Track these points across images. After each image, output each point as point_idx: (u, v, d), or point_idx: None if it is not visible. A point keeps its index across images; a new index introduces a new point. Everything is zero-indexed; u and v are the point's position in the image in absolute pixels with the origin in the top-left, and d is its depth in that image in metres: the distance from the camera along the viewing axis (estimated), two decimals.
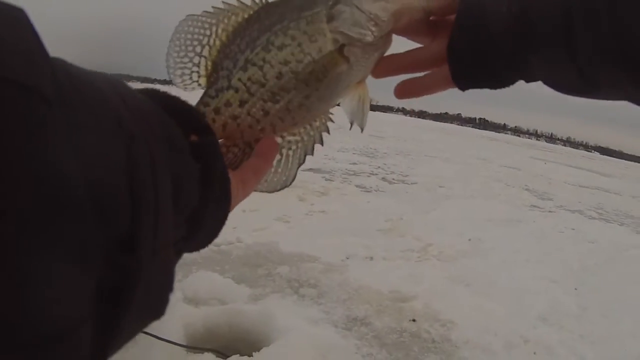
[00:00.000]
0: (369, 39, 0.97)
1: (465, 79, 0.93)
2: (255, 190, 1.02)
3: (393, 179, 11.70)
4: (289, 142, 1.10)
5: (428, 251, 6.04)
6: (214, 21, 1.07)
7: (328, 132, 1.09)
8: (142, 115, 0.59)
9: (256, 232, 5.92)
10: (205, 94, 1.05)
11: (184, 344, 3.36)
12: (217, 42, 1.07)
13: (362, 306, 4.31)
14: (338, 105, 1.08)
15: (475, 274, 5.33)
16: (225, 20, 1.07)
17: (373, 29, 0.98)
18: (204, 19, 1.08)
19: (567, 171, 24.00)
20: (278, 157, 1.09)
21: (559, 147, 72.28)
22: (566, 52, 0.72)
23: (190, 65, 1.09)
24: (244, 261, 5.14)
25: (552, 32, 0.73)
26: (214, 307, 3.86)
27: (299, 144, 1.11)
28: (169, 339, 3.28)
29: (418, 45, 1.03)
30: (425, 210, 8.17)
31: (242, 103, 1.02)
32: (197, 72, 1.07)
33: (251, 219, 6.42)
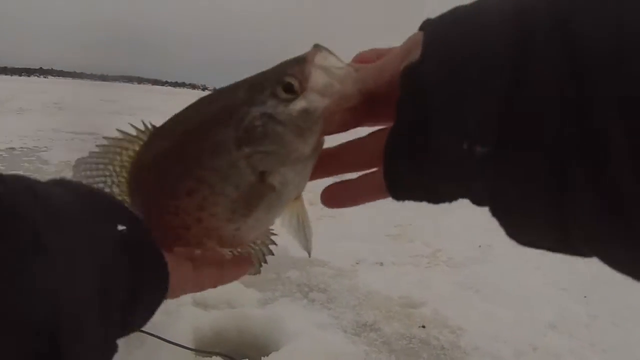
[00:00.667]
0: (306, 152, 0.79)
1: (400, 189, 0.72)
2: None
3: None
4: (241, 253, 0.98)
5: (437, 257, 6.04)
6: (106, 160, 0.96)
7: (274, 244, 0.99)
8: (61, 219, 0.59)
9: None
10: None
11: (192, 347, 3.36)
12: (121, 179, 0.95)
13: (372, 312, 4.31)
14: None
15: (485, 280, 5.31)
16: (118, 157, 0.96)
17: (300, 143, 0.78)
18: (96, 159, 0.96)
19: None
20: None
21: None
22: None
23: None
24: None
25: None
26: (223, 311, 3.86)
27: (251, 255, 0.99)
28: (177, 341, 3.28)
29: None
30: (435, 216, 8.14)
31: (176, 238, 0.85)
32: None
33: None
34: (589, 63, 0.47)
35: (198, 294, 4.03)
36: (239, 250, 0.96)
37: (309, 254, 0.91)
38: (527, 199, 0.53)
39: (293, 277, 4.93)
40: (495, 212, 0.61)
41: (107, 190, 0.94)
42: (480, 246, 6.57)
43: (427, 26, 0.65)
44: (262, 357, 3.26)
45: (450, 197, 0.68)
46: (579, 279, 5.87)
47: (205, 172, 0.80)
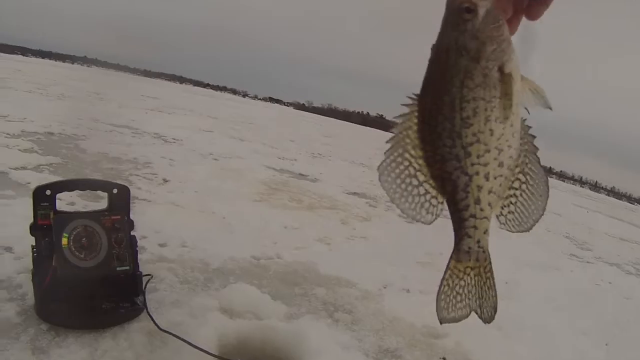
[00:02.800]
0: (503, 39, 1.20)
1: None
2: (540, 214, 1.37)
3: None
4: (522, 162, 1.30)
5: None
6: (400, 151, 1.23)
7: (530, 126, 1.30)
8: None
9: (296, 251, 6.00)
10: (455, 201, 1.28)
11: (216, 354, 3.39)
12: (419, 162, 1.23)
13: (395, 338, 4.31)
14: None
15: (509, 317, 5.30)
16: (407, 140, 1.22)
17: (500, 31, 1.19)
18: (392, 157, 1.24)
19: (609, 222, 23.70)
20: (523, 179, 1.33)
21: (602, 196, 71.32)
22: None
23: (422, 199, 1.28)
24: (281, 278, 5.19)
25: None
26: (249, 321, 3.88)
27: (528, 155, 1.31)
28: (201, 345, 3.32)
29: None
30: None
31: (486, 176, 1.23)
32: (432, 196, 1.28)
33: (292, 236, 6.48)
34: None
35: (225, 303, 4.08)
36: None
37: (551, 108, 1.29)
38: None
39: (320, 294, 4.94)
40: None
41: (413, 179, 1.26)
42: (507, 282, 6.58)
43: None
44: None
45: None
46: (601, 325, 5.87)
47: (475, 91, 1.18)
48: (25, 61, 62.44)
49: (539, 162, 1.30)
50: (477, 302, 1.54)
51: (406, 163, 1.21)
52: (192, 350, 3.28)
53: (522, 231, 1.47)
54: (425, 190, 1.25)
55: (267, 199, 9.16)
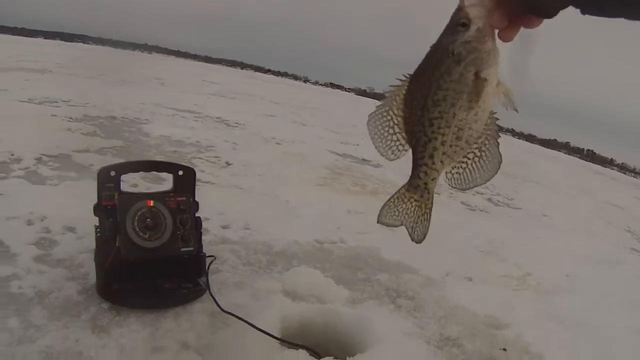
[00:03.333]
0: (487, 50, 1.51)
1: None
2: (481, 183, 1.72)
3: (498, 201, 11.66)
4: (482, 142, 1.64)
5: (526, 280, 5.96)
6: (387, 109, 1.66)
7: (498, 119, 1.62)
8: None
9: (359, 235, 5.99)
10: (415, 151, 1.67)
11: (278, 336, 3.39)
12: (398, 119, 1.66)
13: (456, 327, 4.28)
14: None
15: (569, 311, 5.25)
16: (394, 103, 1.64)
17: (484, 43, 1.50)
18: (380, 111, 1.67)
19: None
20: (478, 153, 1.66)
21: None
22: None
23: (393, 144, 1.70)
24: (344, 262, 5.20)
25: None
26: (312, 305, 3.88)
27: (489, 138, 1.64)
28: (264, 328, 3.32)
29: None
30: (527, 238, 8.10)
31: (443, 143, 1.61)
32: (400, 144, 1.70)
33: (355, 221, 6.47)
34: None
35: (289, 286, 4.08)
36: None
37: (516, 110, 1.60)
38: None
39: (383, 280, 4.93)
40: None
41: (390, 129, 1.67)
42: (567, 275, 6.51)
43: None
44: (348, 358, 3.28)
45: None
46: None
47: (445, 83, 1.54)
48: (85, 49, 63.15)
49: (497, 147, 1.65)
50: (411, 224, 1.92)
51: (388, 117, 1.65)
52: (254, 332, 3.29)
53: (459, 189, 1.84)
54: (397, 138, 1.68)
55: (330, 183, 9.19)
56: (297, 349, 3.30)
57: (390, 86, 1.65)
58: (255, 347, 3.26)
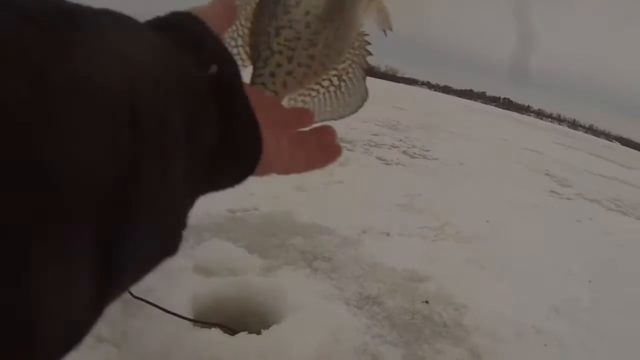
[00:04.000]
0: None
1: None
2: (332, 118, 1.13)
3: (414, 153, 11.67)
4: (343, 69, 1.17)
5: (445, 230, 6.00)
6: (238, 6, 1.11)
7: (370, 43, 1.16)
8: (148, 53, 0.57)
9: (273, 200, 5.88)
10: (255, 67, 1.12)
11: (191, 316, 3.31)
12: (245, 31, 1.16)
13: (375, 284, 4.27)
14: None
15: (491, 257, 5.29)
16: (243, 12, 1.15)
17: None
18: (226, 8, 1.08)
19: (588, 159, 23.84)
20: (336, 82, 1.20)
21: (581, 134, 71.94)
22: None
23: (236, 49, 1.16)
24: (258, 230, 5.10)
25: None
26: (225, 279, 3.81)
27: (353, 65, 1.18)
28: (176, 310, 3.24)
29: None
30: (445, 188, 8.14)
31: (289, 59, 1.11)
32: (242, 59, 1.15)
33: (268, 185, 6.40)
34: None
35: (200, 261, 3.99)
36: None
37: (391, 29, 1.15)
38: None
39: (297, 244, 4.87)
40: None
41: (233, 43, 1.16)
42: (488, 221, 6.55)
43: None
44: (262, 330, 3.22)
45: None
46: (584, 263, 5.86)
47: None
48: None
49: (363, 78, 1.16)
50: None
51: (234, 27, 1.15)
52: (167, 316, 3.21)
53: None
54: (239, 52, 1.17)
55: None
56: (210, 328, 3.23)
57: None
58: (169, 330, 3.20)
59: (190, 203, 0.61)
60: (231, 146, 0.68)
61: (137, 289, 3.44)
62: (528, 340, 4.04)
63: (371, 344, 3.60)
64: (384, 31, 1.15)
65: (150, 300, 3.29)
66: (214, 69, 0.65)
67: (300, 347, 3.23)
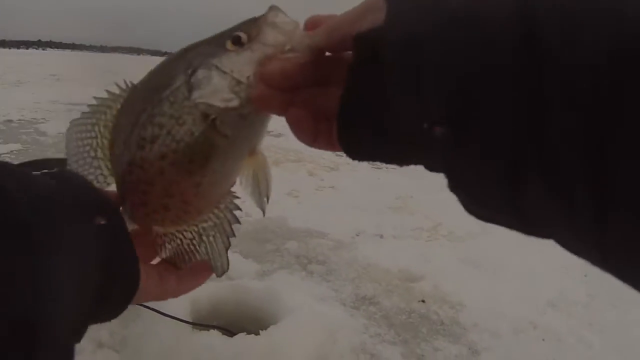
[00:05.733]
0: (235, 103, 0.86)
1: (354, 154, 0.76)
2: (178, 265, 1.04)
3: None
4: (204, 228, 1.02)
5: (438, 231, 6.02)
6: (94, 120, 1.03)
7: (239, 208, 1.00)
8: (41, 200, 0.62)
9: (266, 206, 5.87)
10: (117, 188, 1.03)
11: (189, 320, 3.32)
12: (104, 141, 1.03)
13: (371, 285, 4.29)
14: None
15: (485, 255, 5.29)
16: (103, 117, 1.02)
17: (238, 89, 0.86)
18: (85, 120, 1.04)
19: None
20: (203, 245, 1.03)
21: None
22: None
23: (92, 170, 1.05)
24: (252, 236, 5.13)
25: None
26: (221, 283, 3.81)
27: (215, 229, 1.01)
28: (174, 314, 3.25)
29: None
30: (436, 189, 8.11)
31: (144, 204, 0.98)
32: (102, 174, 1.05)
33: None
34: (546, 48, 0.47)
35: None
36: (204, 224, 1.00)
37: (263, 212, 1.00)
38: (484, 179, 0.53)
39: (292, 248, 4.91)
40: (453, 189, 0.61)
41: (93, 153, 1.04)
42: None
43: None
44: (260, 331, 3.23)
45: (403, 163, 0.74)
46: (579, 258, 5.86)
47: (163, 119, 0.89)
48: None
49: (225, 248, 1.01)
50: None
51: (93, 133, 1.04)
52: (166, 320, 3.21)
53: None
54: (99, 165, 1.05)
55: None
56: (209, 330, 3.25)
57: (108, 92, 1.03)
58: (169, 334, 3.21)
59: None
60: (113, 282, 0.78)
61: None
62: (526, 335, 4.05)
63: (369, 343, 3.62)
64: (262, 210, 0.99)
65: (149, 306, 3.31)
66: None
67: (298, 347, 3.25)
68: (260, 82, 0.81)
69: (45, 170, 0.79)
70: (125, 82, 1.00)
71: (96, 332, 3.19)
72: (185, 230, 1.02)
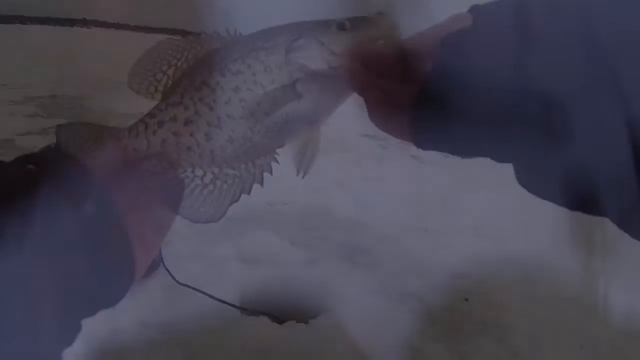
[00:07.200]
0: (324, 66, 0.98)
1: (425, 142, 0.95)
2: (178, 214, 1.08)
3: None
4: (226, 174, 1.06)
5: (481, 229, 5.98)
6: (188, 46, 1.07)
7: (270, 172, 1.06)
8: None
9: (313, 193, 5.92)
10: (156, 106, 1.07)
11: (238, 304, 3.35)
12: (184, 66, 1.06)
13: (416, 280, 4.28)
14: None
15: (528, 255, 5.27)
16: (198, 48, 1.06)
17: (330, 59, 0.98)
18: (180, 43, 1.08)
19: None
20: (211, 187, 1.06)
21: None
22: None
23: (151, 78, 1.09)
24: (299, 222, 5.15)
25: None
26: (269, 270, 3.85)
27: (236, 180, 1.05)
28: (222, 298, 3.28)
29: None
30: (480, 187, 8.09)
31: (187, 122, 1.02)
32: (156, 86, 1.08)
33: (307, 180, 6.42)
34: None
35: (245, 252, 4.02)
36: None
37: (303, 176, 1.06)
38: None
39: (338, 237, 4.91)
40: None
41: (165, 67, 1.06)
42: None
43: (475, 10, 0.79)
44: (310, 320, 3.24)
45: (470, 155, 0.85)
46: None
47: (254, 62, 1.00)
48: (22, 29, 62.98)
49: (229, 202, 1.09)
50: None
51: (179, 56, 1.06)
52: (213, 303, 3.24)
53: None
54: (160, 78, 1.07)
55: None
56: (258, 316, 3.27)
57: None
58: (216, 317, 3.22)
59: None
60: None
61: (182, 276, 3.48)
62: (566, 341, 4.04)
63: (413, 338, 3.62)
64: (298, 172, 1.05)
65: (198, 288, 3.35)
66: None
67: (346, 338, 3.27)
68: (352, 57, 0.94)
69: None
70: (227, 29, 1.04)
71: (140, 311, 3.22)
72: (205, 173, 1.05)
